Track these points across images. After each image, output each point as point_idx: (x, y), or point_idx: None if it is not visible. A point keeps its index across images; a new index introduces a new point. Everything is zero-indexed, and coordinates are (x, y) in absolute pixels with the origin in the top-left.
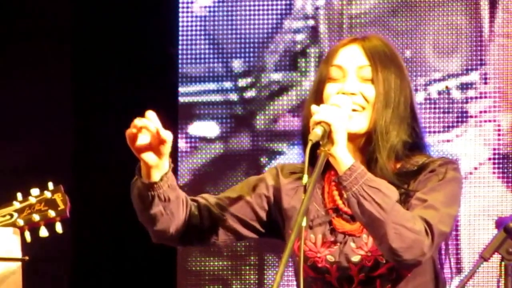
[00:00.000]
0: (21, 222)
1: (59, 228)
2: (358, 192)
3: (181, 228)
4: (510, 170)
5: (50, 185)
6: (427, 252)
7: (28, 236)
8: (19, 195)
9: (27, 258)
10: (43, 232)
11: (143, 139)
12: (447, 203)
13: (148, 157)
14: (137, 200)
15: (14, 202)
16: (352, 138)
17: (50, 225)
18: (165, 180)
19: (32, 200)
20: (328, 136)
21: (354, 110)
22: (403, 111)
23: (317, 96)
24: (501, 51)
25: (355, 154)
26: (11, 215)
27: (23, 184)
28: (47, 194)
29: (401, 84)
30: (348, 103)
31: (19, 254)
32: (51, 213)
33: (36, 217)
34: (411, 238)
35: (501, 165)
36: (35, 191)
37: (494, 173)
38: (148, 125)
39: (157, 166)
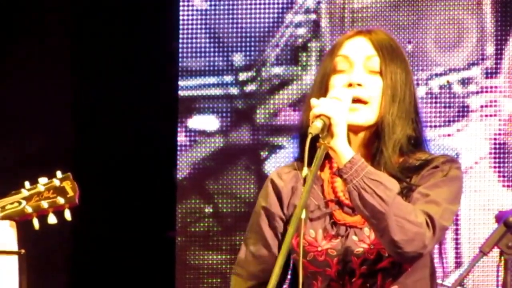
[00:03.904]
0: (29, 209)
1: (68, 215)
2: (359, 185)
3: None
4: (511, 164)
5: (59, 174)
6: (428, 244)
7: (36, 223)
8: (27, 183)
9: (23, 251)
10: (52, 219)
11: None
12: (449, 200)
13: None
14: None
15: (22, 190)
16: (357, 131)
17: (58, 213)
18: None
19: (40, 188)
20: (328, 129)
21: (356, 101)
22: (408, 105)
23: (322, 89)
24: (503, 46)
25: (360, 148)
26: (19, 203)
27: (22, 180)
28: (56, 182)
29: (406, 78)
30: (349, 96)
31: (15, 247)
32: (60, 200)
33: (44, 204)
34: (412, 230)
35: (502, 160)
36: (43, 180)
37: (495, 167)
38: None
39: None
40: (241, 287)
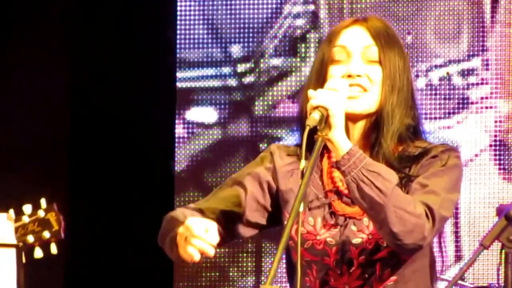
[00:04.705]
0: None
1: (54, 249)
2: (357, 177)
3: None
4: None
5: (43, 203)
6: (427, 236)
7: (23, 257)
8: (12, 213)
9: (21, 244)
10: (38, 253)
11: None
12: (449, 189)
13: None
14: (168, 242)
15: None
16: (355, 119)
17: (44, 245)
18: None
19: (25, 219)
20: (325, 120)
21: (356, 87)
22: (406, 94)
23: (319, 79)
24: (503, 37)
25: (359, 138)
26: None
27: (20, 171)
28: (40, 213)
29: (404, 65)
30: (345, 86)
31: (13, 240)
32: (46, 235)
33: (30, 239)
34: (412, 222)
35: (502, 152)
36: (27, 209)
37: (495, 160)
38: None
39: None
40: (183, 211)
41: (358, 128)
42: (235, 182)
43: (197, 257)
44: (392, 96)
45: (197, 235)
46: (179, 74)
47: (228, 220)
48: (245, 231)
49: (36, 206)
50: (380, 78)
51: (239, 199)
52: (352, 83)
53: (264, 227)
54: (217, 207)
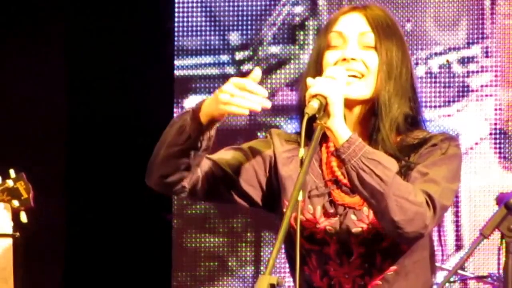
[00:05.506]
0: None
1: (23, 217)
2: (357, 165)
3: (194, 182)
4: None
5: (12, 173)
6: (429, 224)
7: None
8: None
9: (17, 234)
10: None
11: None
12: (449, 178)
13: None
14: (175, 134)
15: None
16: (351, 106)
17: (14, 215)
18: (212, 134)
19: None
20: (324, 109)
21: (351, 76)
22: (404, 83)
23: (317, 66)
24: (503, 24)
25: (356, 125)
26: None
27: (17, 164)
28: (9, 183)
29: (402, 55)
30: (344, 74)
31: (10, 230)
32: (15, 203)
33: None
34: (412, 210)
35: (502, 141)
36: None
37: (495, 148)
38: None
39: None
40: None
41: (354, 115)
42: (241, 149)
43: (259, 108)
44: (388, 84)
45: (250, 89)
46: (177, 62)
47: (227, 181)
48: (238, 199)
49: (5, 177)
50: (376, 65)
51: (239, 165)
52: (348, 68)
53: (257, 205)
54: (221, 162)
